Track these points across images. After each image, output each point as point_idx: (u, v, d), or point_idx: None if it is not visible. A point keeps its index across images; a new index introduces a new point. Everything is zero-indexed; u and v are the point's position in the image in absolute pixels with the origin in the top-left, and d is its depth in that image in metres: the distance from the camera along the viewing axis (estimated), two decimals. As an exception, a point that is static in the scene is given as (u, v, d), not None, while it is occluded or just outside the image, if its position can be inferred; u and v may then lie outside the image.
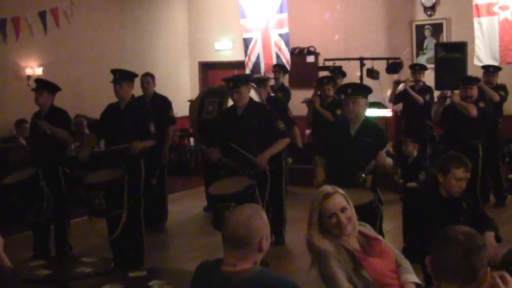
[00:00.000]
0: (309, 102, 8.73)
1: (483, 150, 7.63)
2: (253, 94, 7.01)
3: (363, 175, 4.97)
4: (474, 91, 7.61)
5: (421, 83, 9.25)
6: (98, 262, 4.93)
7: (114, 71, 6.32)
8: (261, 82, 7.85)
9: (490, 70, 8.81)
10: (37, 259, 5.37)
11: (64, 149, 6.75)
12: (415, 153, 7.04)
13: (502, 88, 8.72)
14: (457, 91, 7.77)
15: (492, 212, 7.50)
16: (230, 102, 6.47)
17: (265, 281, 2.40)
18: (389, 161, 5.18)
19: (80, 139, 8.80)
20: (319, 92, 8.73)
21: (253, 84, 7.28)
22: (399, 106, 9.80)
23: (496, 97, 8.40)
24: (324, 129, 6.54)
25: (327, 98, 8.48)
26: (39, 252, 6.56)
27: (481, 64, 9.57)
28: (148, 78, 7.97)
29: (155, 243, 7.25)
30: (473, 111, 7.42)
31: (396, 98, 9.40)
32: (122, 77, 6.24)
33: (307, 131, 10.61)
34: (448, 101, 7.83)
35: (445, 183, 4.25)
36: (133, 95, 6.41)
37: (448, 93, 7.82)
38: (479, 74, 8.69)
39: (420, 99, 8.94)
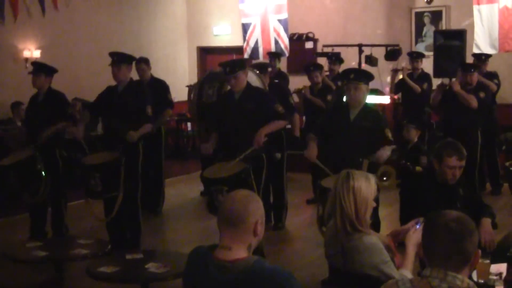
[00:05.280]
0: (299, 93, 8.73)
1: (482, 137, 7.65)
2: (254, 79, 6.97)
3: (360, 159, 5.00)
4: (474, 78, 7.61)
5: (419, 71, 9.24)
6: (95, 244, 4.94)
7: (112, 54, 6.30)
8: (263, 68, 7.79)
9: (482, 58, 8.80)
10: (34, 241, 5.37)
11: (61, 132, 6.75)
12: (415, 139, 7.07)
13: (495, 76, 8.70)
14: (453, 79, 7.76)
15: (488, 199, 7.53)
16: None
17: (261, 272, 2.39)
18: (385, 156, 5.22)
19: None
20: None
21: (255, 70, 7.25)
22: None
23: (494, 87, 8.39)
24: (318, 116, 6.56)
25: (316, 85, 8.49)
26: (35, 234, 6.56)
27: (480, 52, 9.57)
28: (142, 65, 7.89)
29: (152, 227, 7.28)
30: (474, 103, 7.41)
31: (396, 87, 9.41)
32: (120, 59, 6.22)
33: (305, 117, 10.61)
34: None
35: (439, 170, 4.25)
36: (131, 78, 6.39)
37: (446, 80, 7.82)
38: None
39: (417, 88, 8.94)
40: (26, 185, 6.31)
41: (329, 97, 8.14)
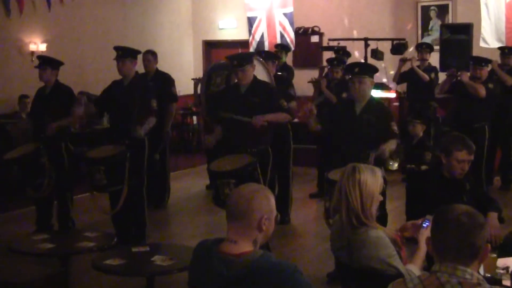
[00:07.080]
0: (315, 82, 8.64)
1: (489, 132, 7.59)
2: (260, 68, 6.90)
3: (367, 152, 4.99)
4: (484, 72, 7.51)
5: (427, 62, 9.18)
6: (101, 237, 4.93)
7: (117, 48, 6.32)
8: (271, 57, 7.68)
9: (505, 51, 8.70)
10: (40, 234, 5.38)
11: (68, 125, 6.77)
12: (421, 134, 7.05)
13: None
14: (463, 71, 7.69)
15: (495, 194, 7.52)
16: None
17: (266, 266, 2.39)
18: (389, 150, 5.21)
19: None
20: (323, 74, 8.66)
21: (260, 59, 7.19)
22: (403, 87, 9.75)
23: (509, 81, 8.24)
24: (329, 110, 6.55)
25: (334, 80, 8.41)
26: (42, 227, 6.58)
27: (487, 46, 9.50)
28: (148, 56, 7.92)
29: (157, 220, 7.28)
30: (482, 91, 7.31)
31: (400, 77, 9.30)
32: (125, 54, 6.25)
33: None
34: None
35: (447, 165, 4.23)
36: (136, 72, 6.41)
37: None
38: (485, 56, 8.60)
39: (426, 76, 8.84)
40: (29, 179, 6.32)
41: (344, 95, 8.05)
